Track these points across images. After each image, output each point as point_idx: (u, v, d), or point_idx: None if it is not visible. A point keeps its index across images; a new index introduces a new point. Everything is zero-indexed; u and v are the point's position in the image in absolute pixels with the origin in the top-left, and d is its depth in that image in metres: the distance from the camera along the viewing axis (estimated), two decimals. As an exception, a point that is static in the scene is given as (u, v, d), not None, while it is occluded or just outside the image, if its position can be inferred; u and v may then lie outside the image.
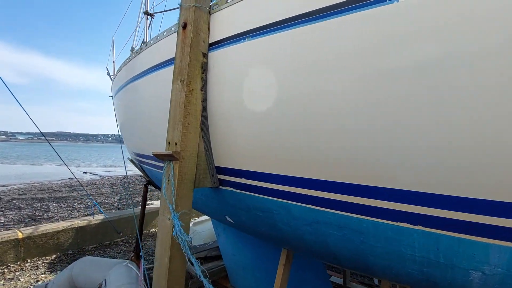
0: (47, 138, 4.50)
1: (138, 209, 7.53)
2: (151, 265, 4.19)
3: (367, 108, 1.24)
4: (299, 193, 1.55)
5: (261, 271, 3.58)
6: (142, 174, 3.75)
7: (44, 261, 4.98)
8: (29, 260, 4.87)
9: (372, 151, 1.26)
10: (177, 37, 1.87)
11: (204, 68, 1.84)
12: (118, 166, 29.00)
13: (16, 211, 9.13)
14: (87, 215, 8.49)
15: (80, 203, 10.73)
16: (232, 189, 1.95)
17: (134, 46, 6.51)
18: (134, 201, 11.59)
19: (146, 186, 3.82)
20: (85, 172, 21.65)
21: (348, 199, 1.38)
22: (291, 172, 1.56)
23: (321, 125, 1.39)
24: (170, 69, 2.19)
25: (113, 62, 4.68)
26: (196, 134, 1.81)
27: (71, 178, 19.02)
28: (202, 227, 5.62)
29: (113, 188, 15.46)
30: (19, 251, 4.78)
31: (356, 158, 1.31)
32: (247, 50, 1.64)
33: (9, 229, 6.62)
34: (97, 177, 20.14)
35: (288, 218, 1.69)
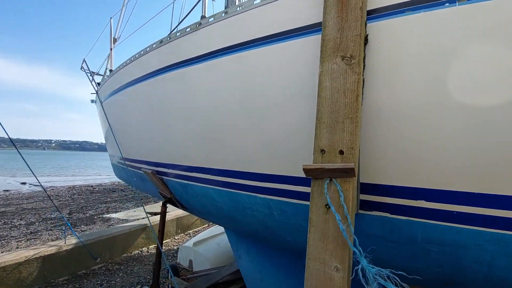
0: (15, 144, 3.42)
1: (141, 220, 6.33)
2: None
3: None
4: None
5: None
6: (161, 190, 2.96)
7: (3, 304, 3.77)
8: (-18, 305, 3.65)
9: None
10: (325, -3, 1.29)
11: (365, 45, 1.28)
12: (65, 176, 25.60)
13: None
14: (31, 233, 7.06)
15: (21, 219, 9.03)
16: (386, 214, 1.40)
17: (116, 37, 5.58)
18: (88, 215, 10.15)
19: (164, 205, 3.01)
20: (23, 183, 18.64)
21: None
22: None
23: None
24: (266, 49, 1.60)
25: (111, 49, 3.77)
26: (359, 138, 1.24)
27: (7, 190, 16.27)
28: (206, 248, 4.83)
29: (60, 201, 13.45)
30: (-30, 294, 3.54)
31: None
32: (455, 18, 1.13)
33: None
34: (40, 189, 17.49)
35: (507, 258, 1.20)
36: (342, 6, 1.22)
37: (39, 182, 4.38)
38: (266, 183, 1.82)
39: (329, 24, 1.25)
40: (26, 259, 4.25)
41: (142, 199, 14.15)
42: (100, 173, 28.85)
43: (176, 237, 6.83)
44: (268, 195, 1.84)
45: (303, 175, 1.61)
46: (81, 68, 5.48)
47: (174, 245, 6.36)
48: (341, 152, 1.15)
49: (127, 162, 3.43)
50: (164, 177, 2.83)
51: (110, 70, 3.58)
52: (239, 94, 1.78)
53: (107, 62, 5.33)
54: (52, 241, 5.85)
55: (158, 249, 3.01)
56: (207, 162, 2.18)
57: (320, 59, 1.25)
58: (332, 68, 1.21)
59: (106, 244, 5.48)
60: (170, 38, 2.25)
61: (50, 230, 7.65)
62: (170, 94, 2.34)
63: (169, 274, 3.60)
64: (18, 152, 3.53)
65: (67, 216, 9.77)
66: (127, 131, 3.33)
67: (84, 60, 5.19)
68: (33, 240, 6.50)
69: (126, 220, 8.86)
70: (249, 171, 1.88)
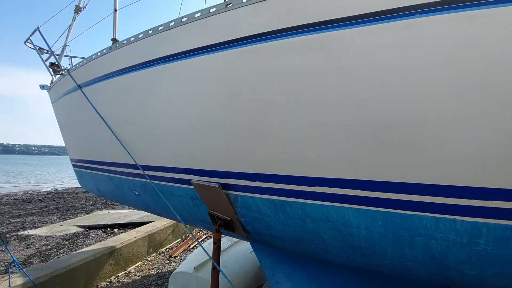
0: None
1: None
2: None
3: None
4: None
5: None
6: (215, 211, 2.10)
7: None
8: None
9: None
10: None
11: None
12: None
13: None
14: None
15: None
16: None
17: (82, 6, 4.34)
18: (9, 229, 8.02)
19: (219, 231, 2.12)
20: None
21: None
22: None
23: None
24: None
25: (115, 10, 2.65)
26: None
27: None
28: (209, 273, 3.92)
29: (-52, 218, 10.31)
30: None
31: None
32: None
33: None
34: None
35: None
36: None
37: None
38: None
39: None
40: None
41: (69, 210, 11.89)
42: (9, 180, 23.33)
43: (148, 259, 5.61)
44: (487, 219, 1.29)
45: None
46: (26, 42, 3.97)
47: (149, 270, 5.17)
48: None
49: (146, 172, 2.41)
50: (232, 193, 1.99)
51: (114, 40, 2.49)
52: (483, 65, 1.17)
53: (68, 36, 3.97)
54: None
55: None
56: (353, 170, 1.50)
57: None
58: None
59: (64, 279, 4.06)
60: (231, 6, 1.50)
61: None
62: (288, 70, 1.57)
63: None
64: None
65: (-39, 237, 7.37)
66: (149, 127, 2.33)
67: (38, 29, 3.76)
68: None
69: (52, 237, 7.40)
70: (459, 184, 1.30)
